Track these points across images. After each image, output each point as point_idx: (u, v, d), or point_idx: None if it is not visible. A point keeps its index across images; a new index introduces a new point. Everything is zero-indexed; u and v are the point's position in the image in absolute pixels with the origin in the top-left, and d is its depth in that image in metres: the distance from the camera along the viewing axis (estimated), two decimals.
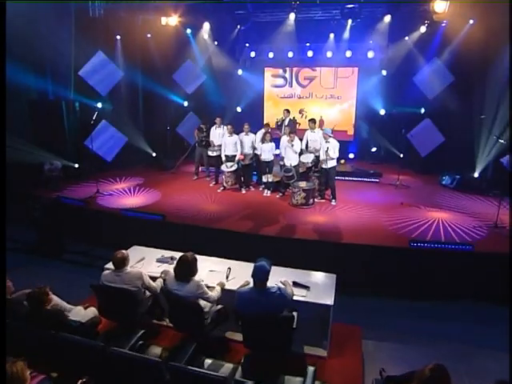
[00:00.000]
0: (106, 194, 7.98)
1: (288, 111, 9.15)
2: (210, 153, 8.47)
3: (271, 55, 11.84)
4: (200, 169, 9.45)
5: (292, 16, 9.57)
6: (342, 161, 10.50)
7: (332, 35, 10.78)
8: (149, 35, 9.40)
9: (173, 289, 3.51)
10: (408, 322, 4.80)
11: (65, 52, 8.84)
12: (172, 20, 8.76)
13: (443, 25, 9.32)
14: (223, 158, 8.12)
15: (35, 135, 8.83)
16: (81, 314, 3.71)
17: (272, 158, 8.00)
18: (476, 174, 8.58)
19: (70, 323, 3.38)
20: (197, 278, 3.59)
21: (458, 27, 8.85)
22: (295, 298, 3.54)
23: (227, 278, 4.03)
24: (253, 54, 12.07)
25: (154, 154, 10.93)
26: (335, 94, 11.98)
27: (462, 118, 9.06)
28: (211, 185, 8.72)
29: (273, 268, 3.36)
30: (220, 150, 8.23)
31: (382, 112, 11.24)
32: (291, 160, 7.60)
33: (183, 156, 10.19)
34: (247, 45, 11.91)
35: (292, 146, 7.57)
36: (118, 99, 9.93)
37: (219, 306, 3.73)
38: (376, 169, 10.30)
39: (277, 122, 9.53)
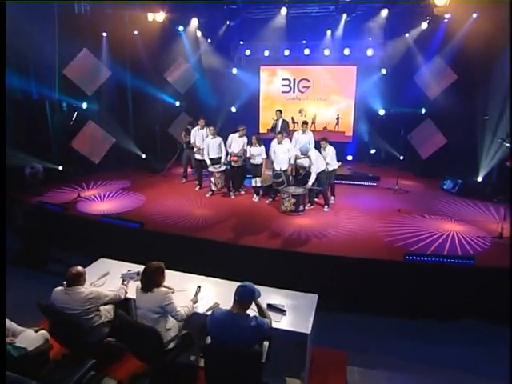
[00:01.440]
0: (87, 198, 7.61)
1: (280, 112, 8.71)
2: (197, 156, 8.07)
3: (267, 53, 11.45)
4: (190, 171, 9.07)
5: (285, 12, 9.11)
6: (339, 163, 10.03)
7: (329, 32, 10.34)
8: (136, 32, 9.01)
9: (138, 303, 3.27)
10: (400, 344, 4.36)
11: (48, 50, 8.48)
12: (159, 16, 8.36)
13: (445, 20, 8.84)
14: (208, 162, 7.67)
15: (17, 137, 8.47)
16: (29, 338, 3.32)
17: (260, 161, 7.50)
18: (479, 179, 8.08)
19: (11, 353, 2.99)
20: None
21: (460, 22, 8.36)
22: None
23: (196, 296, 3.61)
24: (248, 53, 11.69)
25: (143, 156, 10.55)
26: (333, 93, 11.53)
27: (464, 119, 8.57)
28: (196, 189, 8.31)
29: None
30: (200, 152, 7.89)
31: (382, 112, 10.79)
32: (281, 164, 7.14)
33: (173, 158, 9.80)
34: (241, 42, 11.52)
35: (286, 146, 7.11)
36: (105, 99, 9.55)
37: (184, 332, 3.32)
38: (375, 171, 9.86)
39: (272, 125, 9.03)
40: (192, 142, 8.08)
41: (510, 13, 6.86)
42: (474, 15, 8.06)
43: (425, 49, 9.50)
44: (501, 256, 5.04)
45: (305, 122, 7.89)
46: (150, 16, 8.31)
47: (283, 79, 11.88)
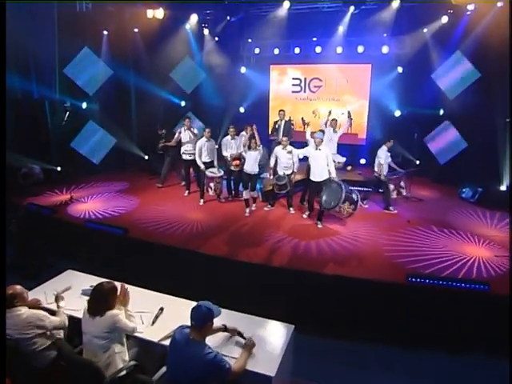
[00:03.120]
0: (80, 200, 7.37)
1: (283, 112, 8.17)
2: (184, 156, 7.54)
3: (276, 51, 10.97)
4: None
5: (287, 6, 8.60)
6: (349, 167, 9.45)
7: (341, 28, 9.72)
8: (136, 30, 8.73)
9: (85, 328, 2.91)
10: (394, 380, 3.77)
11: (49, 49, 8.33)
12: (159, 13, 8.04)
13: (468, 13, 8.07)
14: (201, 166, 7.06)
15: (16, 137, 8.36)
16: None
17: (256, 171, 6.70)
18: (504, 187, 7.28)
19: None
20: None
21: (483, 13, 7.58)
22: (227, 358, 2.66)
23: (153, 323, 3.19)
24: (257, 51, 11.24)
25: (146, 157, 10.28)
26: (346, 93, 10.90)
27: (487, 121, 7.78)
28: (185, 194, 7.87)
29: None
30: (189, 153, 7.41)
31: (398, 113, 10.08)
32: (285, 170, 6.54)
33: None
34: (249, 40, 11.06)
35: (290, 152, 6.42)
36: (106, 99, 9.33)
37: (132, 363, 2.90)
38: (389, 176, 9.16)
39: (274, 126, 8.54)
40: (184, 140, 7.45)
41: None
42: (499, 4, 7.25)
43: (444, 45, 8.74)
44: None
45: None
46: (150, 13, 7.98)
47: (293, 78, 11.35)
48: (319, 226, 6.14)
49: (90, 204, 7.21)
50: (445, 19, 8.70)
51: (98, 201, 7.43)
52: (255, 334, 2.97)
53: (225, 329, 2.99)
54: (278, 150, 6.57)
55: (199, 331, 2.54)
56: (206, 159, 7.12)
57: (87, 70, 8.79)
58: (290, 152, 6.43)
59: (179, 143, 7.62)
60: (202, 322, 2.54)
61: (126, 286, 3.22)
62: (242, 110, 11.75)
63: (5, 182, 5.89)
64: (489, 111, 7.66)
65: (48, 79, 8.62)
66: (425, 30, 9.04)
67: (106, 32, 8.76)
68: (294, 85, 11.38)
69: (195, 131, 7.41)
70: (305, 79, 11.24)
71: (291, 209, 6.86)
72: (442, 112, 8.84)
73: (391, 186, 7.37)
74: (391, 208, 6.99)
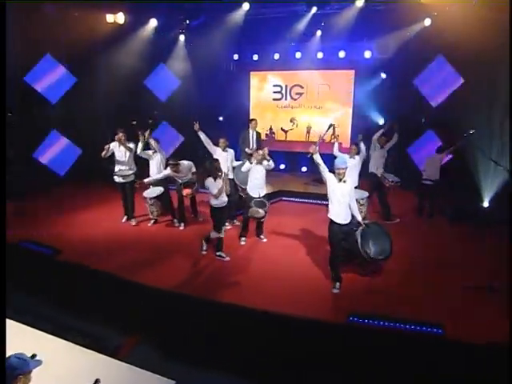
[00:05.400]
0: (27, 216, 6.91)
1: (255, 121, 7.54)
2: (116, 178, 6.42)
3: (256, 57, 10.49)
4: None
5: (249, 9, 8.10)
6: (324, 179, 8.82)
7: (319, 32, 9.20)
8: (101, 35, 8.31)
9: None
10: None
11: (8, 55, 7.95)
12: (119, 17, 7.61)
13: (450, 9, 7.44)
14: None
15: None
16: None
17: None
18: (486, 204, 6.59)
19: None
20: None
21: (461, 14, 6.99)
22: None
23: None
24: (236, 57, 10.77)
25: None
26: (328, 100, 10.35)
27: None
28: (123, 220, 6.74)
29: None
30: (123, 175, 6.37)
31: (381, 121, 9.48)
32: (260, 188, 5.57)
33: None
34: (228, 46, 10.58)
35: (269, 165, 5.58)
36: (72, 107, 8.91)
37: None
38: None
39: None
40: (118, 158, 6.34)
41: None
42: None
43: (428, 49, 8.15)
44: (484, 321, 3.70)
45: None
46: (110, 17, 7.56)
47: (274, 85, 10.86)
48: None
49: (36, 220, 6.73)
50: (428, 22, 8.12)
51: (45, 216, 6.93)
52: None
53: None
54: (249, 165, 5.51)
55: None
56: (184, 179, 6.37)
57: (49, 78, 8.45)
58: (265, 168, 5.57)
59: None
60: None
61: None
62: (220, 118, 11.27)
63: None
64: (476, 120, 7.00)
65: (8, 87, 8.23)
66: (407, 34, 8.46)
67: (71, 38, 8.36)
68: (274, 92, 10.89)
69: (131, 145, 6.33)
70: (286, 86, 10.74)
71: (262, 236, 5.98)
72: (423, 120, 8.19)
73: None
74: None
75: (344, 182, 4.29)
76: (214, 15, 7.98)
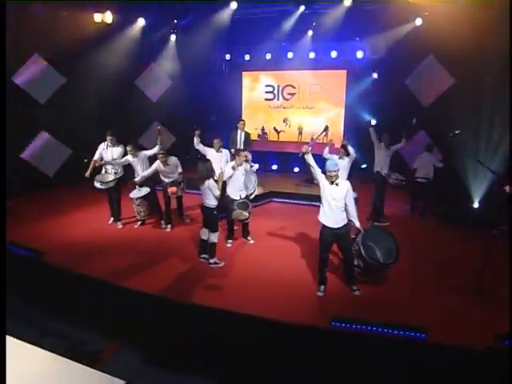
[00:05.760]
0: (16, 217, 6.82)
1: (243, 122, 7.50)
2: (96, 184, 6.16)
3: (247, 57, 10.44)
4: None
5: (236, 9, 8.05)
6: (316, 181, 8.77)
7: (310, 32, 9.15)
8: (90, 35, 8.22)
9: None
10: None
11: None
12: (108, 17, 7.52)
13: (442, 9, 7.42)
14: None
15: None
16: None
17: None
18: (476, 205, 6.57)
19: None
20: None
21: (453, 14, 6.95)
22: None
23: None
24: (228, 57, 10.72)
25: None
26: (321, 100, 10.30)
27: (467, 132, 7.09)
28: (110, 222, 6.61)
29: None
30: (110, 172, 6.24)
31: (373, 122, 9.45)
32: (241, 191, 5.47)
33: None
34: (219, 46, 10.56)
35: (251, 167, 5.55)
36: (62, 107, 8.80)
37: None
38: (361, 190, 8.47)
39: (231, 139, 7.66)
40: (106, 159, 6.15)
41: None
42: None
43: (419, 49, 8.12)
44: (474, 325, 3.66)
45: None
46: (98, 17, 7.46)
47: (266, 85, 10.82)
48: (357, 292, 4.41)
49: (23, 221, 6.66)
50: (419, 21, 8.10)
51: (35, 218, 6.87)
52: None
53: None
54: (231, 171, 5.32)
55: None
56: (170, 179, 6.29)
57: (38, 78, 8.35)
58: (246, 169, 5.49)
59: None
60: None
61: None
62: (213, 118, 11.21)
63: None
64: (470, 121, 6.97)
65: None
66: (399, 34, 8.43)
67: (58, 38, 8.27)
68: (267, 92, 10.85)
69: (119, 148, 6.21)
70: (278, 86, 10.70)
71: (249, 238, 5.90)
72: (414, 121, 8.13)
73: None
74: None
75: (336, 184, 4.09)
76: (202, 14, 7.92)
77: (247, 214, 5.25)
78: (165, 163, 6.06)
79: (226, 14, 8.02)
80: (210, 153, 6.25)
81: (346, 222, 4.22)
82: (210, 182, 4.78)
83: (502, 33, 6.14)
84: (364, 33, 8.83)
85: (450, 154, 6.64)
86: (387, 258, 4.43)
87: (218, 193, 4.82)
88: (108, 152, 6.19)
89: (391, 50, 8.70)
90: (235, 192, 5.47)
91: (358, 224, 4.27)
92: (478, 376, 3.01)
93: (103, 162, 6.07)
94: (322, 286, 4.38)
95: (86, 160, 6.10)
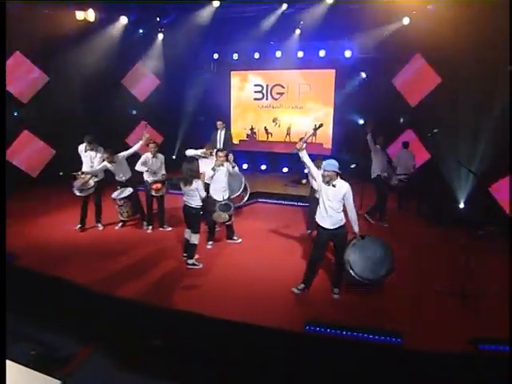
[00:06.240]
0: None
1: (221, 122, 7.38)
2: (76, 192, 5.97)
3: (236, 56, 10.32)
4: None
5: (218, 7, 7.97)
6: (304, 180, 8.68)
7: (298, 31, 9.07)
8: (75, 33, 8.09)
9: None
10: None
11: None
12: (90, 14, 7.37)
13: (429, 7, 7.35)
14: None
15: None
16: None
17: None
18: (461, 205, 6.49)
19: None
20: None
21: (442, 13, 6.88)
22: None
23: None
24: (216, 56, 10.60)
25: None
26: (309, 100, 10.22)
27: (452, 131, 7.02)
28: (77, 227, 6.25)
29: None
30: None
31: (361, 122, 9.39)
32: (223, 192, 5.34)
33: None
34: (207, 45, 10.42)
35: (233, 167, 5.32)
36: (46, 107, 8.65)
37: None
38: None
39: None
40: (84, 162, 6.02)
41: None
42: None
43: (406, 48, 8.05)
44: (454, 331, 3.57)
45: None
46: (80, 15, 7.32)
47: (255, 85, 10.72)
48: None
49: None
50: (406, 20, 8.03)
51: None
52: None
53: None
54: (211, 172, 5.27)
55: None
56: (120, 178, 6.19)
57: (20, 77, 8.20)
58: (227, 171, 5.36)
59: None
60: None
61: None
62: (201, 118, 11.08)
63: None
64: (454, 120, 6.90)
65: None
66: (386, 32, 8.35)
67: (41, 35, 8.12)
68: (255, 92, 10.74)
69: (99, 155, 6.06)
70: (267, 86, 10.60)
71: (235, 238, 5.80)
72: (401, 120, 8.09)
73: None
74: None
75: (333, 186, 3.91)
76: (184, 13, 7.80)
77: (227, 216, 5.15)
78: (154, 154, 5.93)
79: (207, 13, 7.92)
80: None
81: (342, 223, 4.06)
82: (199, 183, 4.68)
83: (487, 31, 6.08)
84: (351, 31, 8.74)
85: (434, 153, 6.56)
86: (372, 272, 4.13)
87: (204, 193, 4.74)
88: (87, 155, 6.05)
89: (379, 50, 8.63)
90: (218, 193, 5.36)
91: (356, 229, 4.09)
92: (453, 382, 2.92)
93: (79, 173, 5.90)
94: (302, 285, 4.27)
95: (61, 173, 5.93)
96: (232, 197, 5.70)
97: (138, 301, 4.15)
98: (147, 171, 6.00)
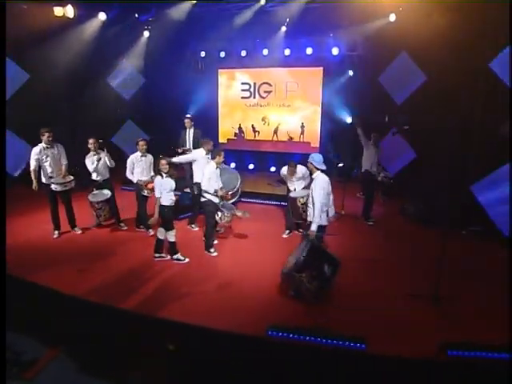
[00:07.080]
0: None
1: (189, 119, 7.17)
2: (54, 186, 5.76)
3: (223, 54, 10.16)
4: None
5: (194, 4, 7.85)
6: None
7: (284, 28, 8.92)
8: (55, 29, 7.92)
9: None
10: None
11: None
12: (69, 10, 7.20)
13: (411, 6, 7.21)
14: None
15: None
16: None
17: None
18: (443, 204, 6.33)
19: None
20: None
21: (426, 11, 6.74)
22: None
23: None
24: (203, 54, 10.44)
25: (78, 169, 9.42)
26: (297, 98, 10.08)
27: (440, 130, 6.87)
28: (55, 235, 6.02)
29: None
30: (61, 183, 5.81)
31: (349, 120, 9.25)
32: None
33: None
34: (194, 43, 10.28)
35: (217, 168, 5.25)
36: (27, 105, 8.50)
37: None
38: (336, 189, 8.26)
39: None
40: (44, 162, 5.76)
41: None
42: None
43: (393, 45, 7.90)
44: (423, 335, 3.43)
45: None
46: (59, 11, 7.15)
47: (243, 83, 10.58)
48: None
49: None
50: (392, 17, 7.88)
51: None
52: None
53: None
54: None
55: None
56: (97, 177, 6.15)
57: None
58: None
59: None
60: None
61: None
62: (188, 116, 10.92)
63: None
64: (443, 119, 6.74)
65: None
66: (372, 29, 8.20)
67: (20, 32, 7.96)
68: (243, 90, 10.60)
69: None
70: (254, 84, 10.46)
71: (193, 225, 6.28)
72: (386, 119, 7.94)
73: None
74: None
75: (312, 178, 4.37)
76: (166, 10, 7.65)
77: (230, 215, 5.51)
78: (143, 153, 5.84)
79: (189, 10, 7.78)
80: (199, 155, 5.89)
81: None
82: (166, 180, 4.81)
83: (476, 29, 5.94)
84: (337, 28, 8.60)
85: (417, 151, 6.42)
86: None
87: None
88: (49, 152, 5.80)
89: (366, 47, 8.49)
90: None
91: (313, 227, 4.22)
92: None
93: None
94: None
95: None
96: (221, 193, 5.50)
97: (102, 304, 4.02)
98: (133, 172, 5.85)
